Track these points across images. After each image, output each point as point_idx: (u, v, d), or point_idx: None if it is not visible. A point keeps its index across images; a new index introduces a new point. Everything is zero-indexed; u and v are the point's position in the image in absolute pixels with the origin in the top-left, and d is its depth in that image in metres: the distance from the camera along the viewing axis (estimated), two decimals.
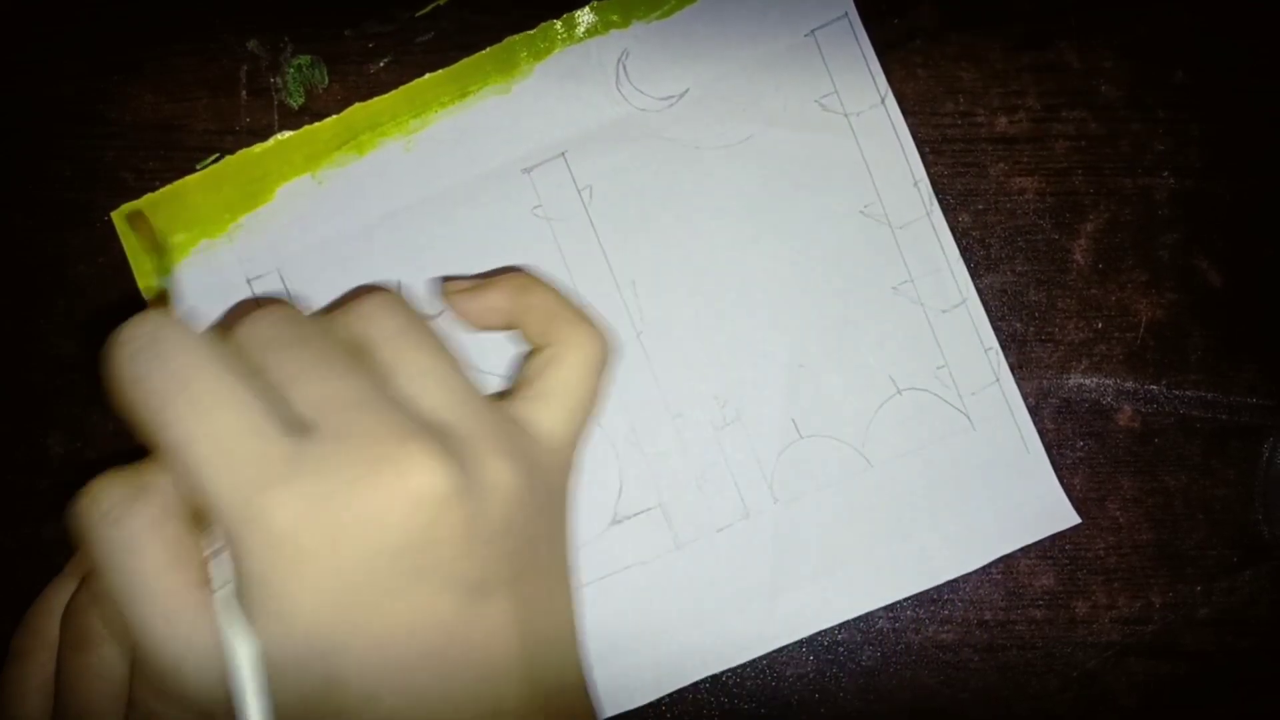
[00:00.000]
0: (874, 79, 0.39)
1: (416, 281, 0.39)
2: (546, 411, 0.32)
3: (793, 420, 0.39)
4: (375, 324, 0.30)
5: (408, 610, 0.27)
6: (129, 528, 0.28)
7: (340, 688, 0.27)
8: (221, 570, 0.27)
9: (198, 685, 0.27)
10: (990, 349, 0.39)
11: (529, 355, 0.34)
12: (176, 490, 0.28)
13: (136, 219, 0.38)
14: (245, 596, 0.26)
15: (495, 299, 0.35)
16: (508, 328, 0.35)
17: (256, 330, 0.29)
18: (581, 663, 0.32)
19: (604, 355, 0.33)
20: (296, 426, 0.26)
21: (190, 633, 0.27)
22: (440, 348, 0.30)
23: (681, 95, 0.39)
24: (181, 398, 0.26)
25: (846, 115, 0.39)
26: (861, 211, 0.39)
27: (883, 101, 0.39)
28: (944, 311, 0.39)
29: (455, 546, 0.27)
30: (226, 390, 0.26)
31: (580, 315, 0.34)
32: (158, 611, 0.27)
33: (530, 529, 0.30)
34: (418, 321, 0.31)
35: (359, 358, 0.29)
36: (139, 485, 0.28)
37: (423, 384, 0.29)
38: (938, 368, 0.39)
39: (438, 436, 0.27)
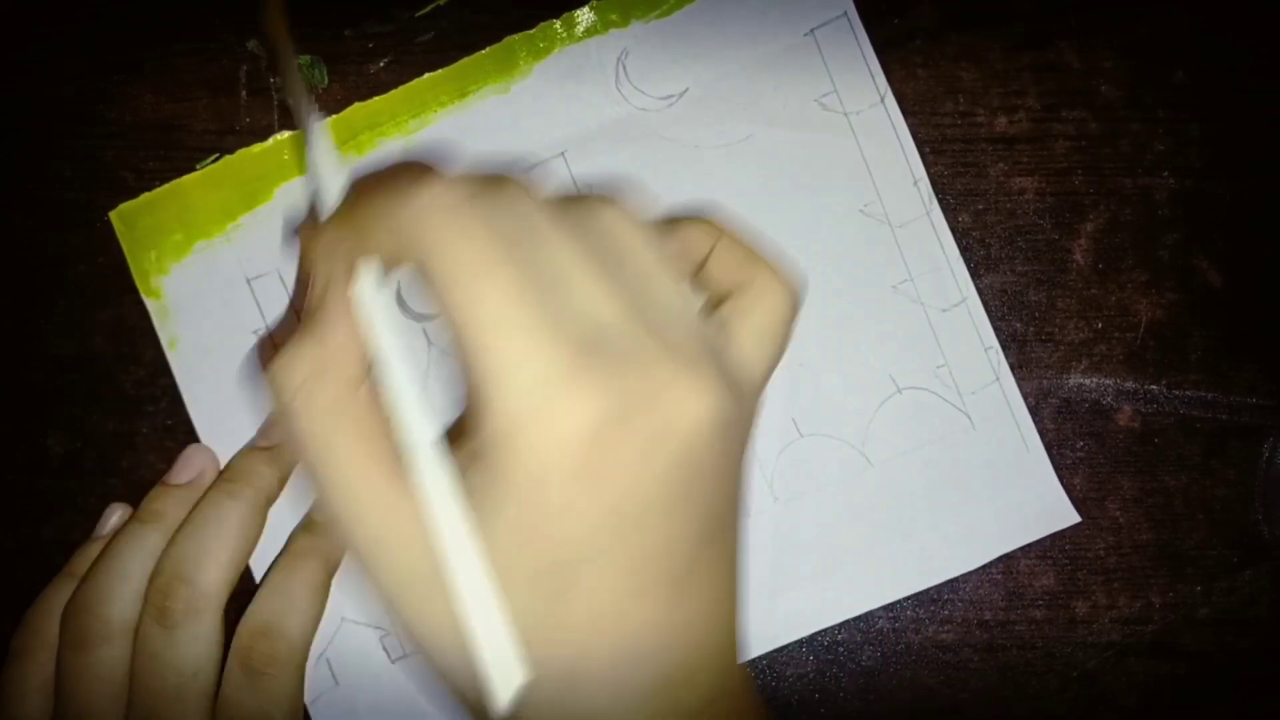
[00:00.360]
0: (873, 78, 0.39)
1: (416, 281, 0.39)
2: (750, 355, 0.31)
3: (793, 419, 0.39)
4: (625, 238, 0.29)
5: (662, 536, 0.26)
6: (320, 407, 0.27)
7: (570, 599, 0.26)
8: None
9: (394, 568, 0.27)
10: (990, 348, 0.39)
11: (708, 302, 0.32)
12: (358, 364, 0.28)
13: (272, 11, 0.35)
14: (490, 496, 0.26)
15: (695, 236, 0.32)
16: (693, 270, 0.33)
17: (530, 219, 0.27)
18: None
19: (798, 302, 0.32)
20: (588, 332, 0.26)
21: (391, 516, 0.27)
22: (679, 275, 0.29)
23: (681, 95, 0.39)
24: (488, 280, 0.25)
25: (846, 114, 0.39)
26: (861, 211, 0.39)
27: (882, 101, 0.39)
28: (944, 310, 0.39)
29: (711, 482, 0.27)
30: (533, 279, 0.25)
31: (774, 260, 0.32)
32: (355, 492, 0.27)
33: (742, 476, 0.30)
34: (657, 242, 0.29)
35: (621, 267, 0.28)
36: (327, 361, 0.28)
37: (677, 308, 0.28)
38: (938, 367, 0.39)
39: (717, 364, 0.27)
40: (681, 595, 0.27)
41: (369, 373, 0.29)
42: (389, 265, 0.28)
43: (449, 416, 0.38)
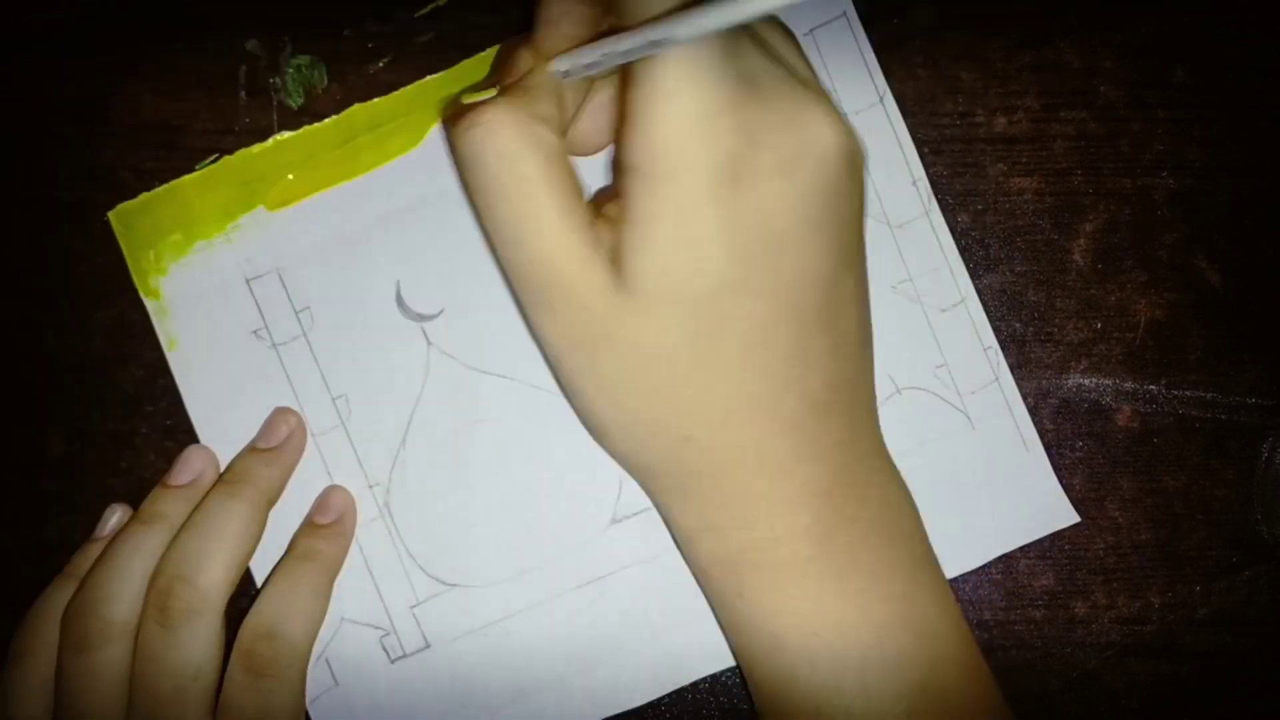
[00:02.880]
0: (872, 78, 0.39)
1: (416, 281, 0.39)
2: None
3: None
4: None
5: (801, 261, 0.29)
6: (525, 168, 0.29)
7: (726, 328, 0.29)
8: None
9: (584, 330, 0.30)
10: (989, 348, 0.39)
11: None
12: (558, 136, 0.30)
13: None
14: (648, 212, 0.28)
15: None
16: None
17: None
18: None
19: None
20: (740, 72, 0.28)
21: (592, 267, 0.29)
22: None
23: None
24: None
25: (845, 114, 0.39)
26: None
27: (881, 101, 0.39)
28: (943, 310, 0.39)
29: (846, 201, 0.30)
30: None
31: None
32: (557, 246, 0.29)
33: None
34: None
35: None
36: (529, 116, 0.30)
37: (802, 67, 0.31)
38: (937, 367, 0.39)
39: None
40: (819, 323, 0.30)
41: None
42: None
43: (449, 422, 0.38)
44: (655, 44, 0.26)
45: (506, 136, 0.29)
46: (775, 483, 0.31)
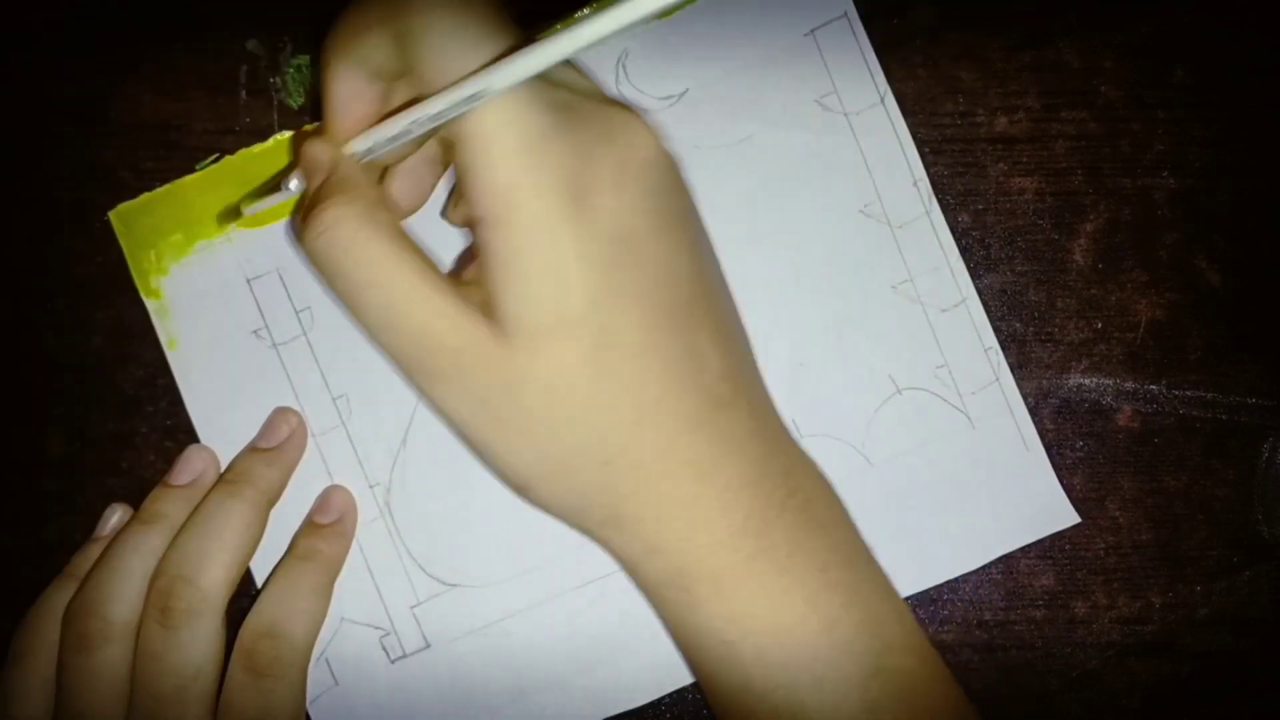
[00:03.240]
0: (873, 78, 0.39)
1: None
2: None
3: (792, 420, 0.39)
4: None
5: (662, 260, 0.30)
6: (377, 253, 0.30)
7: (611, 341, 0.30)
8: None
9: (480, 386, 0.30)
10: (990, 348, 0.39)
11: None
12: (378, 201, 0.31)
13: None
14: (518, 262, 0.29)
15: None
16: None
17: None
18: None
19: None
20: (558, 102, 0.29)
21: (469, 324, 0.30)
22: None
23: (681, 95, 0.39)
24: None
25: (846, 114, 0.39)
26: (861, 211, 0.39)
27: (882, 101, 0.39)
28: (944, 311, 0.39)
29: (682, 199, 0.32)
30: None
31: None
32: (431, 315, 0.30)
33: None
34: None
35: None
36: (364, 206, 0.30)
37: (596, 91, 0.32)
38: (937, 367, 0.39)
39: None
40: (695, 318, 0.31)
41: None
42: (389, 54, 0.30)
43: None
44: (469, 100, 0.27)
45: (350, 231, 0.30)
46: (702, 485, 0.31)
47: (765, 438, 0.33)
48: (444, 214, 0.38)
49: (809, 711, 0.31)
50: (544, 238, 0.28)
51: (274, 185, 0.37)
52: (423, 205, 0.36)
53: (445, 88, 0.28)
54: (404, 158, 0.34)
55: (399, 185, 0.35)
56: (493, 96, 0.27)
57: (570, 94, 0.30)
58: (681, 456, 0.31)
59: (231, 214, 0.38)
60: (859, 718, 0.31)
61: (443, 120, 0.28)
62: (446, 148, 0.35)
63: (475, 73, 0.27)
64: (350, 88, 0.31)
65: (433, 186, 0.36)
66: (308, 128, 0.39)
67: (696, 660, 0.34)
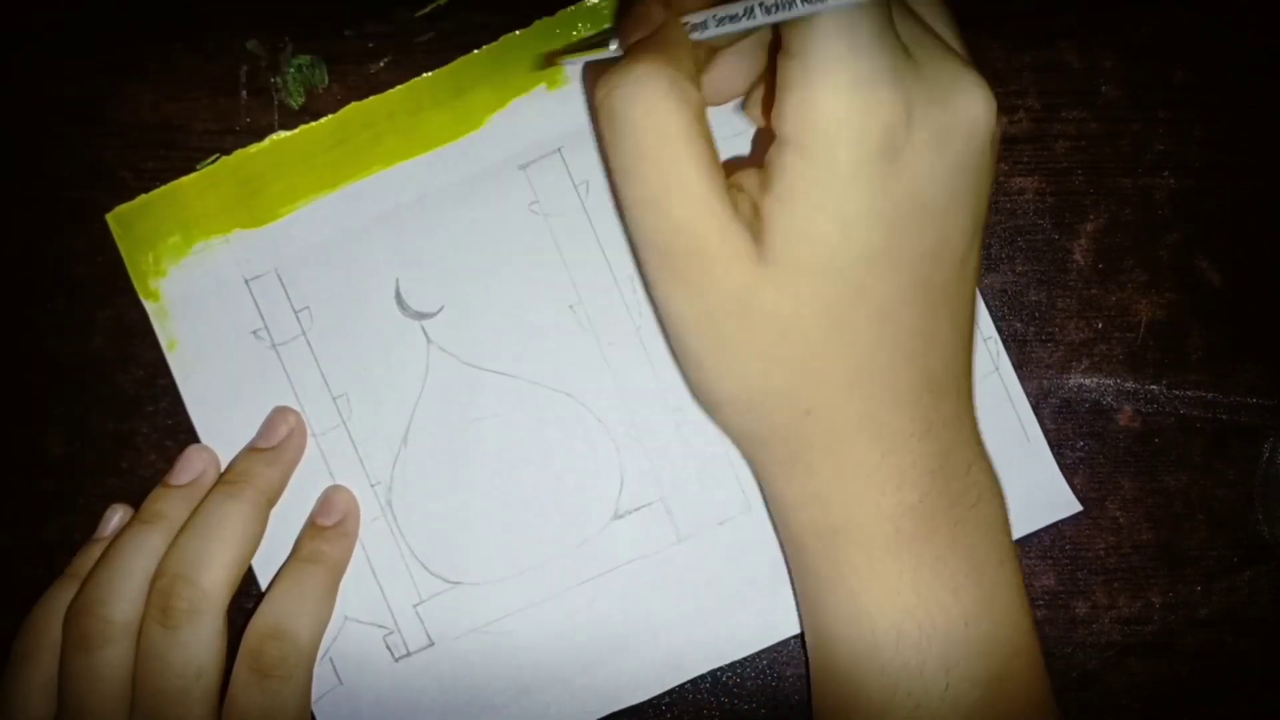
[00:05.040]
0: None
1: (415, 281, 0.39)
2: None
3: None
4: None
5: (939, 235, 0.30)
6: (674, 126, 0.29)
7: (861, 299, 0.29)
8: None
9: (720, 299, 0.30)
10: (989, 339, 0.39)
11: None
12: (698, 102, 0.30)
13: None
14: (810, 196, 0.28)
15: None
16: None
17: None
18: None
19: None
20: (900, 47, 0.28)
21: (734, 234, 0.29)
22: None
23: None
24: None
25: None
26: None
27: None
28: None
29: (984, 179, 0.30)
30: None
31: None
32: (701, 211, 0.29)
33: None
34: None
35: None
36: (680, 74, 0.29)
37: (953, 39, 0.31)
38: None
39: None
40: (944, 300, 0.31)
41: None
42: None
43: (451, 420, 0.38)
44: (814, 3, 0.26)
45: (658, 93, 0.28)
46: (888, 457, 0.31)
47: (959, 428, 0.33)
48: (743, 107, 0.35)
49: (930, 698, 0.31)
50: (845, 186, 0.28)
51: (595, 43, 0.35)
52: (731, 100, 0.35)
53: None
54: (725, 47, 0.33)
55: (720, 71, 0.33)
56: (838, 9, 0.26)
57: (918, 35, 0.29)
58: (881, 427, 0.31)
59: (545, 61, 0.38)
60: (974, 713, 0.31)
61: (780, 17, 0.27)
62: (772, 52, 0.33)
63: None
64: None
65: (748, 84, 0.34)
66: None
67: (823, 618, 0.34)
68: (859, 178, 0.28)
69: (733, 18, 0.28)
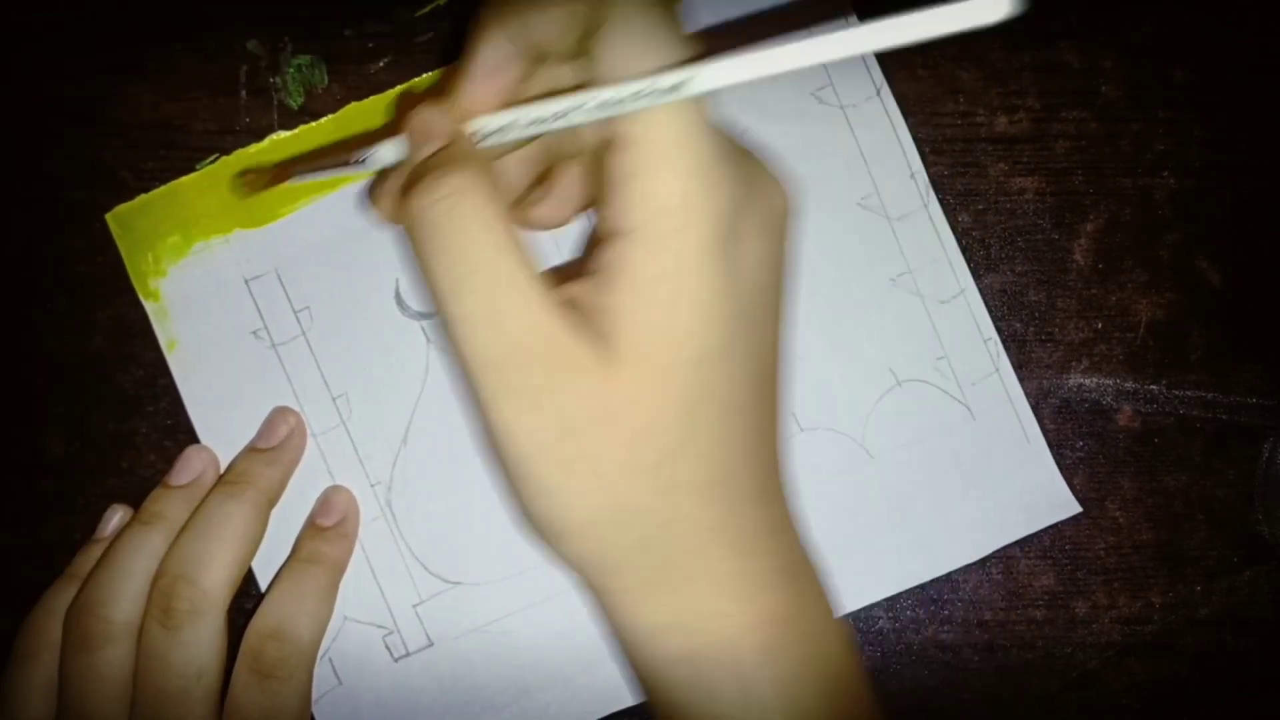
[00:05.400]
0: (869, 71, 0.39)
1: (416, 281, 0.39)
2: None
3: (793, 414, 0.39)
4: None
5: (774, 326, 0.30)
6: (496, 238, 0.27)
7: (709, 396, 0.28)
8: None
9: (568, 413, 0.28)
10: (989, 339, 0.39)
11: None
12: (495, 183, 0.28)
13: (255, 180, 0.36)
14: (663, 286, 0.27)
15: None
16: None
17: None
18: None
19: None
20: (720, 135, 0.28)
21: (575, 341, 0.27)
22: None
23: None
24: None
25: (842, 107, 0.39)
26: (859, 203, 0.39)
27: (878, 93, 0.39)
28: (942, 302, 0.39)
29: (786, 271, 0.30)
30: None
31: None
32: (538, 322, 0.27)
33: None
34: None
35: None
36: (489, 185, 0.28)
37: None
38: (937, 359, 0.39)
39: None
40: (774, 391, 0.30)
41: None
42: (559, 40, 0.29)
43: (450, 420, 0.38)
44: (660, 93, 0.26)
45: (474, 205, 0.27)
46: (748, 561, 0.29)
47: (791, 523, 0.31)
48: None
49: None
50: (694, 271, 0.27)
51: (334, 156, 0.33)
52: (565, 224, 0.34)
53: (640, 74, 0.26)
54: (502, 155, 0.32)
55: (557, 196, 0.33)
56: (660, 108, 0.26)
57: (725, 131, 0.28)
58: (734, 531, 0.29)
59: (258, 182, 0.36)
60: None
61: (606, 113, 0.26)
62: (583, 153, 0.32)
63: (686, 63, 0.25)
64: (500, 57, 0.28)
65: (565, 222, 0.34)
66: (413, 83, 0.38)
67: None
68: (708, 263, 0.27)
69: (544, 121, 0.28)
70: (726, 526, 0.29)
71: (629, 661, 0.31)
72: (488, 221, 0.27)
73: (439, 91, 0.30)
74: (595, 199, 0.31)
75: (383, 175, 0.31)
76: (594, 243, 0.29)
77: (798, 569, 0.31)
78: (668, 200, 0.26)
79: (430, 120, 0.29)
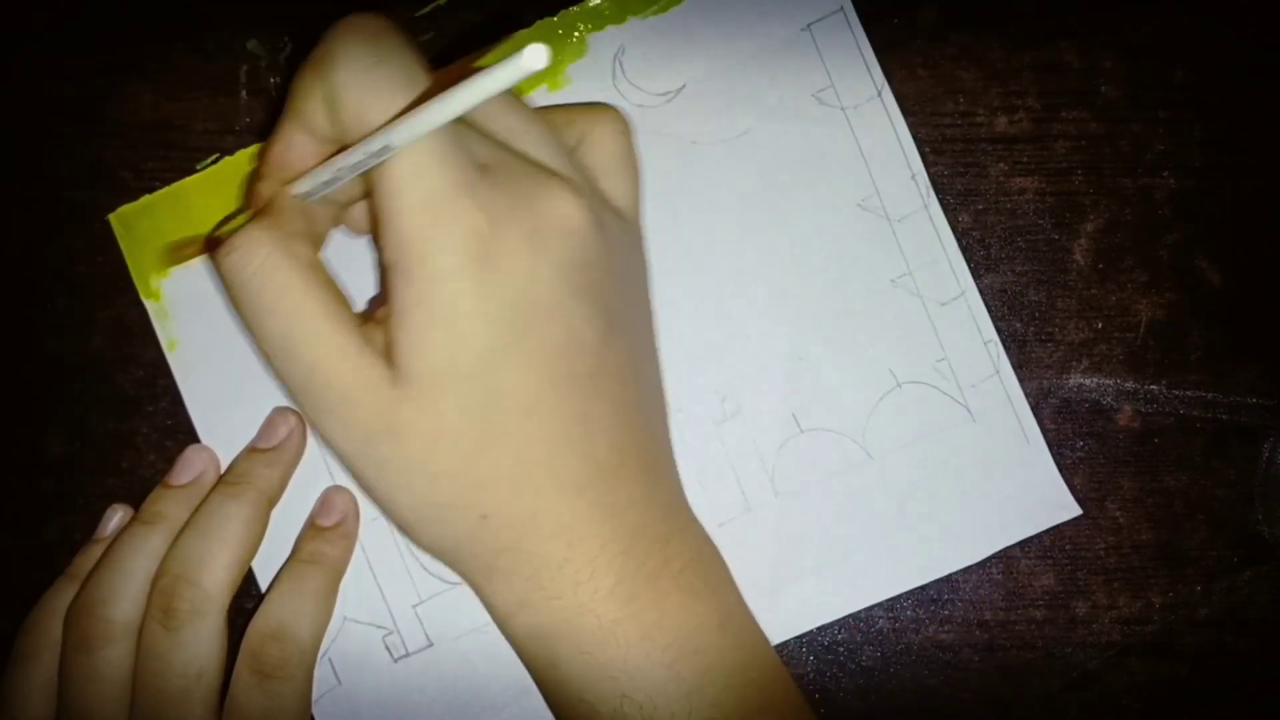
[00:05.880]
0: (870, 72, 0.39)
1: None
2: (613, 180, 0.35)
3: (792, 414, 0.39)
4: (498, 102, 0.32)
5: (564, 330, 0.31)
6: (285, 280, 0.31)
7: (500, 401, 0.30)
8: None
9: (366, 427, 0.31)
10: (990, 341, 0.39)
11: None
12: (305, 231, 0.32)
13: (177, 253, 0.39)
14: (418, 311, 0.30)
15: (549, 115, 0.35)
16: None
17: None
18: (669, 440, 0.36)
19: (628, 126, 0.36)
20: (474, 162, 0.30)
21: (365, 364, 0.31)
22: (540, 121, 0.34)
23: (678, 91, 0.39)
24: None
25: (843, 109, 0.39)
26: (859, 204, 0.39)
27: (879, 94, 0.39)
28: (943, 304, 0.39)
29: (600, 271, 0.32)
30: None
31: (591, 105, 0.37)
32: (328, 350, 0.31)
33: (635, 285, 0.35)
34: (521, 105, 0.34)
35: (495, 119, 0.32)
36: (281, 235, 0.31)
37: (548, 148, 0.32)
38: (937, 360, 0.39)
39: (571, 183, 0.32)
40: (594, 388, 0.31)
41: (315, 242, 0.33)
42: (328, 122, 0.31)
43: None
44: (380, 152, 0.28)
45: (263, 254, 0.30)
46: (574, 548, 0.31)
47: (649, 506, 0.33)
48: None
49: None
50: (442, 291, 0.29)
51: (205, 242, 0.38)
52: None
53: (360, 140, 0.29)
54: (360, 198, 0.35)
55: (361, 208, 0.35)
56: (400, 150, 0.28)
57: (494, 151, 0.31)
58: (556, 520, 0.31)
59: (175, 258, 0.39)
60: None
61: (363, 169, 0.29)
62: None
63: (381, 129, 0.28)
64: (294, 146, 0.32)
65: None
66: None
67: (557, 715, 0.34)
68: (456, 283, 0.29)
69: (328, 182, 0.31)
70: (549, 515, 0.31)
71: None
72: (273, 268, 0.30)
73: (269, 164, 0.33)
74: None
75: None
76: (383, 274, 0.33)
77: (645, 551, 0.32)
78: (405, 235, 0.29)
79: (253, 188, 0.33)
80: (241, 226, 0.31)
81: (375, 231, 0.31)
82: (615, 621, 0.31)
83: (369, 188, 0.32)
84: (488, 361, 0.30)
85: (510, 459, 0.31)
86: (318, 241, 0.33)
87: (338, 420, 0.31)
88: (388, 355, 0.31)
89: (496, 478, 0.31)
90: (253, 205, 0.33)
